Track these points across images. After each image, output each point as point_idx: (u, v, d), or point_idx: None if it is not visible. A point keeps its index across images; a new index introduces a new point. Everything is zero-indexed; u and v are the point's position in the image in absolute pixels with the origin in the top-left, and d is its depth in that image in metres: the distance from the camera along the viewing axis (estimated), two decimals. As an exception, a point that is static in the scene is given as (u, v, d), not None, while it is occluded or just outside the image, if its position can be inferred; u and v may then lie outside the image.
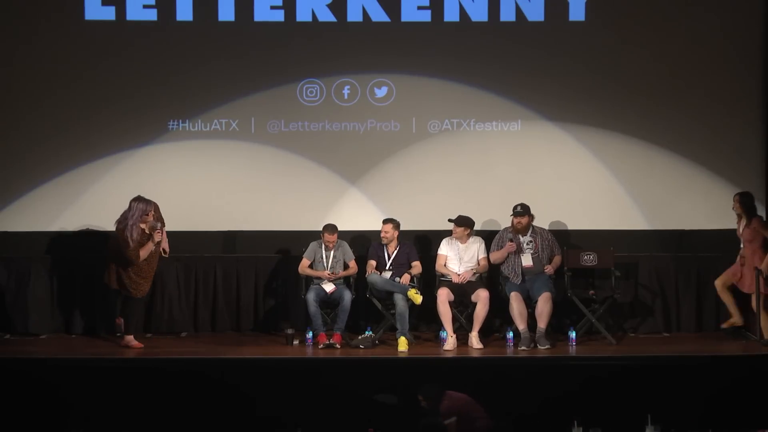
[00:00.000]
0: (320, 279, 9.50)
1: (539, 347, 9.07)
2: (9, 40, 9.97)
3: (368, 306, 9.60)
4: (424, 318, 9.84)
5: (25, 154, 10.00)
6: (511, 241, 9.47)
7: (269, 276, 10.13)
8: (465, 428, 7.18)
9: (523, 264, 9.48)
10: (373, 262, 9.57)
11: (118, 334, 9.53)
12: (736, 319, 9.51)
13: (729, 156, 10.11)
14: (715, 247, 10.02)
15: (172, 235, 9.45)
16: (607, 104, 10.12)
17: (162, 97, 10.06)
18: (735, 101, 10.11)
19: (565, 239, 9.95)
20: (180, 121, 10.10)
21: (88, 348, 9.35)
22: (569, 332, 9.37)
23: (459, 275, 9.47)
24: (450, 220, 9.55)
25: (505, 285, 9.52)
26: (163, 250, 9.35)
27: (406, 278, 9.46)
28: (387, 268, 9.56)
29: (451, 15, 10.07)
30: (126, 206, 9.29)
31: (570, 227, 10.14)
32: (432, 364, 8.89)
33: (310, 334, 9.34)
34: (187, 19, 10.04)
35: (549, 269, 9.50)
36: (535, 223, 9.63)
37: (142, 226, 9.18)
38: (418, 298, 9.26)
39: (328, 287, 9.43)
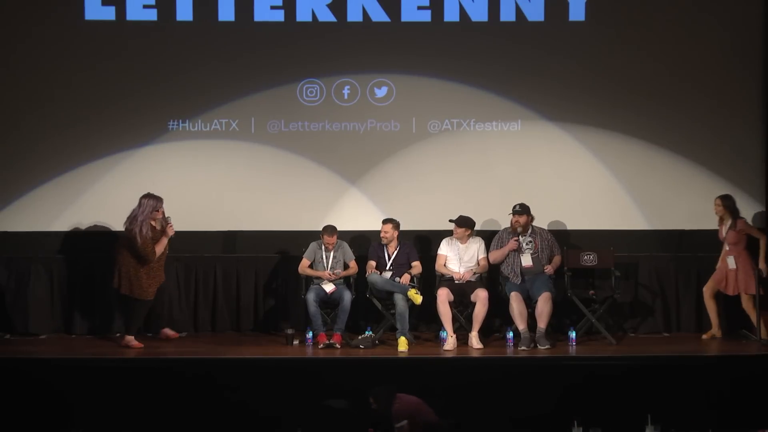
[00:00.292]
0: (320, 279, 9.50)
1: (539, 347, 9.07)
2: (9, 39, 9.97)
3: (368, 306, 9.60)
4: (424, 318, 9.84)
5: (25, 154, 10.00)
6: (516, 239, 9.47)
7: (269, 276, 10.13)
8: (417, 430, 7.17)
9: (523, 264, 9.49)
10: (373, 263, 9.58)
11: (118, 334, 9.55)
12: (715, 330, 9.55)
13: (729, 156, 10.12)
14: (715, 247, 10.00)
15: (172, 235, 9.47)
16: (607, 104, 10.12)
17: (162, 97, 10.06)
18: (735, 101, 10.11)
19: (565, 239, 9.95)
20: (180, 121, 10.11)
21: (88, 348, 9.35)
22: (569, 332, 9.37)
23: (459, 273, 9.47)
24: (451, 221, 9.55)
25: (505, 285, 9.52)
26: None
27: (406, 278, 9.46)
28: (387, 268, 9.56)
29: (451, 15, 10.07)
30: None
31: (570, 227, 10.14)
32: (432, 364, 8.89)
33: (310, 334, 9.34)
34: (187, 19, 10.04)
35: (549, 269, 9.50)
36: (534, 223, 9.64)
37: (153, 223, 9.19)
38: (418, 298, 9.26)
39: (328, 287, 9.43)
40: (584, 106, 10.11)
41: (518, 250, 9.51)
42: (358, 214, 10.12)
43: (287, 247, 10.06)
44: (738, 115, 10.12)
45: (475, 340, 9.18)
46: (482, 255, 9.59)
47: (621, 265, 9.81)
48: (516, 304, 9.24)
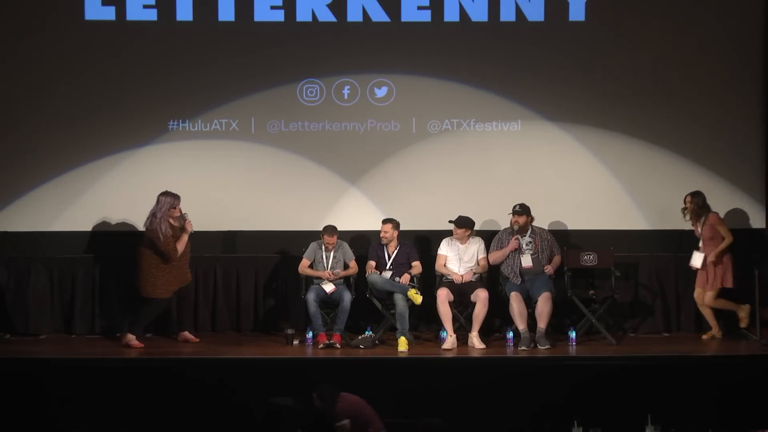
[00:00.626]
0: (320, 279, 9.50)
1: (539, 347, 9.07)
2: (9, 39, 9.96)
3: (368, 306, 9.59)
4: (424, 318, 9.84)
5: (25, 154, 10.00)
6: (517, 238, 9.46)
7: (269, 276, 10.13)
8: (359, 430, 7.19)
9: (523, 264, 9.48)
10: (372, 263, 9.58)
11: (118, 335, 9.54)
12: (715, 331, 9.52)
13: (729, 156, 10.11)
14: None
15: (172, 235, 9.47)
16: (607, 104, 10.11)
17: (162, 97, 10.05)
18: (735, 101, 10.11)
19: (565, 239, 9.95)
20: (180, 121, 10.10)
21: (88, 348, 9.35)
22: (569, 332, 9.37)
23: (459, 275, 9.47)
24: (450, 222, 9.55)
25: (505, 285, 9.52)
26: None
27: (406, 278, 9.46)
28: (387, 268, 9.56)
29: (451, 15, 10.07)
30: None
31: (570, 227, 10.14)
32: (432, 364, 8.89)
33: (310, 334, 9.34)
34: (187, 19, 10.04)
35: (549, 269, 9.50)
36: (534, 223, 9.64)
37: (171, 221, 9.20)
38: (418, 298, 9.26)
39: (328, 287, 9.43)
40: (584, 106, 10.11)
41: (518, 251, 9.51)
42: (358, 214, 10.12)
43: (287, 247, 10.06)
44: (738, 115, 10.11)
45: (476, 340, 9.17)
46: (482, 255, 9.59)
47: (621, 265, 9.81)
48: (516, 304, 9.24)
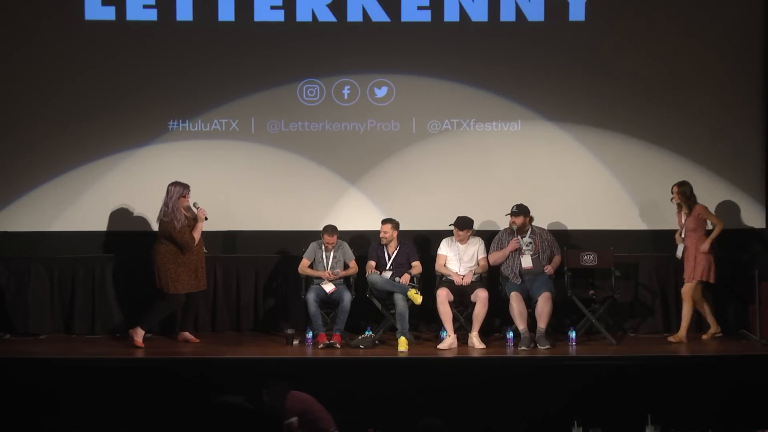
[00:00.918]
0: (320, 279, 9.50)
1: (539, 347, 9.07)
2: (9, 40, 9.97)
3: (368, 306, 9.59)
4: (424, 318, 9.84)
5: (25, 154, 10.00)
6: (517, 238, 9.46)
7: (269, 276, 10.13)
8: (308, 428, 7.20)
9: (523, 265, 9.48)
10: (372, 263, 9.58)
11: (118, 334, 9.55)
12: (714, 329, 9.52)
13: (729, 156, 10.11)
14: (714, 247, 10.01)
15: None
16: (607, 104, 10.11)
17: (162, 97, 10.06)
18: (735, 101, 10.11)
19: (565, 239, 9.95)
20: (180, 121, 10.10)
21: (88, 348, 9.35)
22: (569, 332, 9.37)
23: (460, 276, 9.47)
24: (451, 225, 9.53)
25: (505, 285, 9.52)
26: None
27: (406, 278, 9.46)
28: (387, 268, 9.56)
29: (451, 15, 10.07)
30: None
31: (570, 227, 10.14)
32: (432, 364, 8.89)
33: (310, 334, 9.34)
34: (187, 19, 10.04)
35: (549, 269, 9.50)
36: (534, 223, 9.64)
37: (183, 210, 9.22)
38: (418, 298, 9.26)
39: (328, 287, 9.43)
40: (584, 106, 10.11)
41: (518, 251, 9.51)
42: (358, 214, 10.12)
43: (287, 247, 10.06)
44: (738, 115, 10.11)
45: (476, 340, 9.17)
46: (482, 255, 9.59)
47: (621, 265, 9.81)
48: (516, 304, 9.24)
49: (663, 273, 10.04)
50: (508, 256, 9.54)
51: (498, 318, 9.71)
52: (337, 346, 9.21)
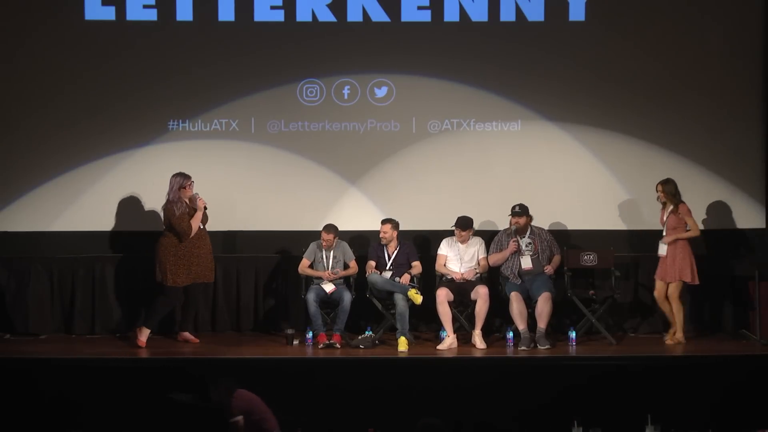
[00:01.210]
0: (320, 279, 9.50)
1: (539, 347, 9.07)
2: (9, 40, 9.96)
3: (368, 306, 9.59)
4: (424, 318, 9.83)
5: (25, 154, 10.00)
6: (516, 240, 9.46)
7: (269, 276, 10.13)
8: (253, 428, 7.23)
9: (523, 266, 9.48)
10: (372, 263, 9.58)
11: (118, 334, 9.55)
12: (680, 335, 9.32)
13: (729, 156, 10.11)
14: (714, 247, 10.02)
15: (172, 235, 9.47)
16: (607, 104, 10.11)
17: (162, 97, 10.05)
18: (735, 101, 10.11)
19: (565, 239, 9.95)
20: (180, 121, 10.10)
21: (88, 348, 9.35)
22: (569, 332, 9.37)
23: (460, 273, 9.47)
24: (453, 226, 9.53)
25: (505, 285, 9.52)
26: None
27: (406, 278, 9.46)
28: (387, 268, 9.56)
29: (451, 15, 10.07)
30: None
31: (570, 227, 10.14)
32: (432, 364, 8.89)
33: (310, 334, 9.34)
34: (187, 19, 10.04)
35: (549, 269, 9.50)
36: (534, 223, 9.64)
37: (186, 200, 9.24)
38: (418, 298, 9.26)
39: (328, 287, 9.43)
40: (584, 106, 10.11)
41: (518, 252, 9.51)
42: (358, 214, 10.12)
43: (287, 247, 10.06)
44: (738, 115, 10.11)
45: (478, 339, 9.16)
46: (482, 255, 9.59)
47: (621, 265, 9.81)
48: (516, 304, 9.24)
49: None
50: (508, 257, 9.54)
51: (498, 318, 9.71)
52: (337, 346, 9.21)
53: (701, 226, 9.95)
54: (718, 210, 10.02)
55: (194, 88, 10.05)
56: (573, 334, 9.35)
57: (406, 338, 9.18)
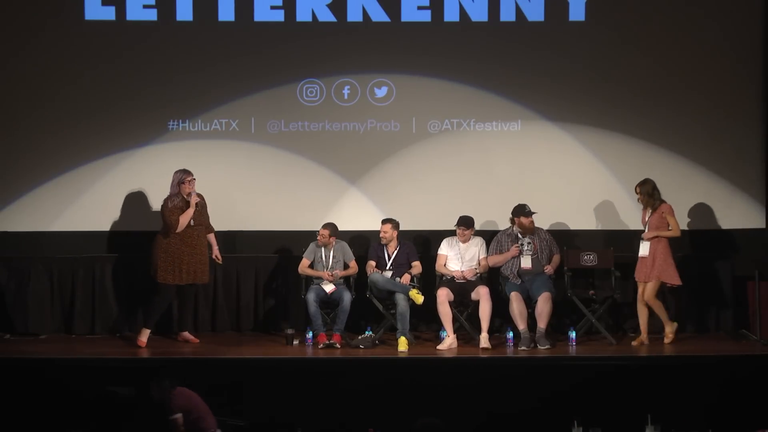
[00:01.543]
0: (320, 279, 9.50)
1: (539, 347, 9.07)
2: (9, 40, 9.96)
3: (368, 306, 9.59)
4: (424, 318, 9.83)
5: (25, 154, 10.00)
6: (517, 245, 9.46)
7: (269, 276, 10.13)
8: (191, 427, 7.24)
9: (522, 266, 9.49)
10: (373, 263, 9.58)
11: (118, 334, 9.56)
12: (644, 337, 9.26)
13: (729, 156, 10.11)
14: (714, 247, 10.03)
15: (172, 235, 9.47)
16: (607, 104, 10.11)
17: (162, 97, 10.05)
18: (735, 101, 10.11)
19: (565, 239, 9.95)
20: (180, 121, 10.10)
21: (88, 348, 9.35)
22: (569, 332, 9.37)
23: (460, 271, 9.46)
24: (456, 225, 9.53)
25: (505, 285, 9.52)
26: (216, 257, 9.48)
27: (406, 278, 9.46)
28: (387, 268, 9.56)
29: (451, 15, 10.07)
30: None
31: (570, 227, 10.14)
32: (432, 364, 8.89)
33: (310, 334, 9.34)
34: (187, 19, 10.04)
35: (549, 269, 9.50)
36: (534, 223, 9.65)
37: (184, 196, 9.26)
38: (419, 298, 9.26)
39: (328, 287, 9.43)
40: (584, 106, 10.11)
41: (518, 253, 9.52)
42: (358, 214, 10.12)
43: (287, 247, 10.06)
44: (738, 115, 10.11)
45: (485, 341, 9.11)
46: (483, 255, 9.59)
47: (621, 265, 9.80)
48: (516, 304, 9.24)
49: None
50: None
51: (498, 318, 9.70)
52: (337, 346, 9.21)
53: (701, 226, 9.97)
54: (718, 210, 10.02)
55: (194, 88, 10.05)
56: (573, 334, 9.35)
57: (406, 338, 9.17)
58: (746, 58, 10.07)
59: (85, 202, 10.02)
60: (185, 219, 9.25)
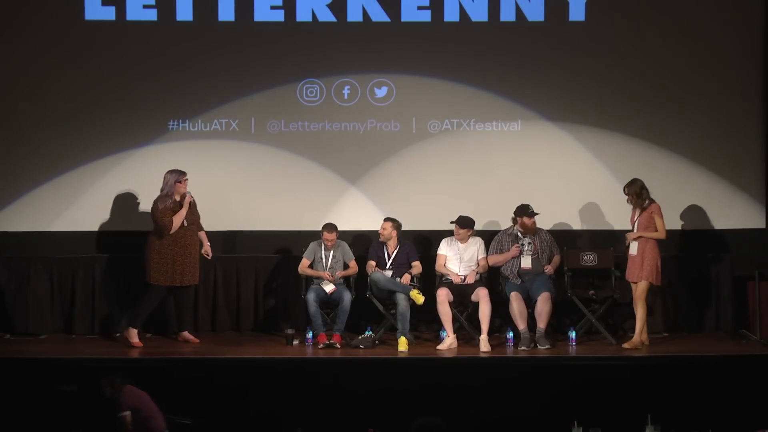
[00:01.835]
0: (320, 279, 9.50)
1: (539, 347, 9.07)
2: (9, 40, 9.96)
3: (368, 306, 9.59)
4: (424, 318, 9.83)
5: (25, 154, 9.99)
6: (518, 245, 9.46)
7: (269, 276, 10.13)
8: (139, 425, 7.24)
9: (522, 266, 9.48)
10: (373, 263, 9.57)
11: (117, 335, 9.56)
12: (637, 339, 9.09)
13: (729, 156, 10.11)
14: (715, 247, 10.03)
15: (172, 235, 9.47)
16: (607, 104, 10.11)
17: (162, 97, 10.05)
18: (735, 101, 10.11)
19: (565, 239, 9.94)
20: (180, 121, 10.10)
21: (88, 348, 9.35)
22: (569, 332, 9.37)
23: (459, 276, 9.46)
24: (452, 222, 9.54)
25: (505, 285, 9.52)
26: (206, 252, 9.46)
27: (406, 278, 9.46)
28: (387, 267, 9.56)
29: (451, 15, 10.07)
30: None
31: (570, 227, 10.14)
32: (432, 364, 8.89)
33: (310, 334, 9.34)
34: (187, 19, 10.04)
35: (549, 269, 9.50)
36: (534, 223, 9.66)
37: (176, 197, 9.25)
38: (420, 299, 9.26)
39: (328, 287, 9.43)
40: (584, 106, 10.11)
41: (519, 253, 9.52)
42: (358, 214, 10.12)
43: (287, 247, 10.06)
44: (738, 115, 10.11)
45: (484, 343, 9.11)
46: (482, 255, 9.59)
47: (621, 265, 9.79)
48: (516, 304, 9.24)
49: (662, 273, 10.00)
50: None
51: (498, 318, 9.70)
52: (337, 346, 9.20)
53: (701, 226, 9.97)
54: (718, 210, 10.02)
55: (194, 88, 10.05)
56: (573, 334, 9.35)
57: (406, 338, 9.17)
58: (746, 58, 10.07)
59: (85, 202, 10.02)
60: (179, 220, 9.25)
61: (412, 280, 9.50)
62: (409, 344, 9.20)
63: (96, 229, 10.01)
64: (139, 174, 10.01)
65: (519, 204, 9.57)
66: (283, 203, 10.12)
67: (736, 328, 9.76)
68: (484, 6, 10.07)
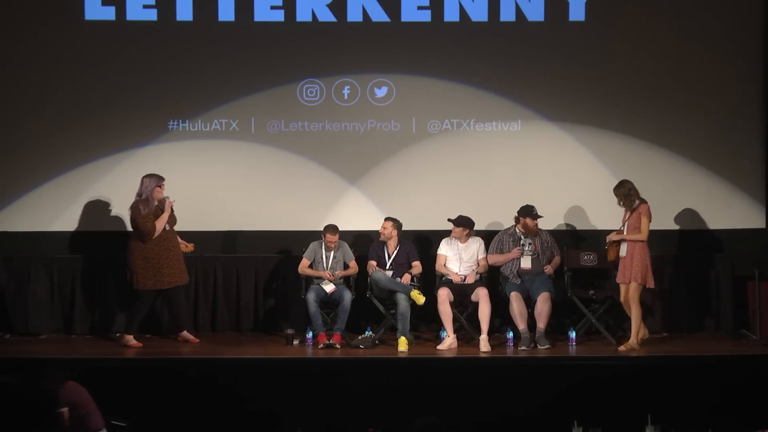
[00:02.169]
0: (320, 279, 9.50)
1: (539, 347, 9.07)
2: (9, 40, 9.97)
3: (368, 306, 9.59)
4: (424, 318, 9.84)
5: (25, 154, 10.00)
6: (520, 246, 9.46)
7: (269, 276, 10.13)
8: (76, 422, 7.21)
9: (522, 266, 9.49)
10: (373, 262, 9.57)
11: (117, 334, 9.56)
12: (633, 341, 9.05)
13: (729, 156, 10.11)
14: (714, 247, 10.02)
15: (172, 235, 9.46)
16: (607, 104, 10.11)
17: (162, 97, 10.06)
18: (735, 101, 10.11)
19: (565, 239, 9.95)
20: (180, 121, 10.11)
21: (88, 348, 9.36)
22: (569, 332, 9.37)
23: (459, 275, 9.46)
24: (449, 220, 9.55)
25: (505, 285, 9.52)
26: (185, 245, 9.46)
27: (406, 278, 9.47)
28: (387, 267, 9.56)
29: (451, 15, 10.07)
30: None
31: (570, 227, 10.14)
32: (432, 364, 8.89)
33: (310, 334, 9.34)
34: (187, 19, 10.04)
35: (548, 269, 9.50)
36: (533, 223, 9.66)
37: (155, 202, 9.23)
38: (421, 299, 9.26)
39: (328, 287, 9.43)
40: (584, 106, 10.11)
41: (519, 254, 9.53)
42: (358, 214, 10.12)
43: (287, 247, 10.06)
44: (738, 115, 10.11)
45: (484, 343, 9.11)
46: (482, 255, 9.59)
47: (621, 265, 9.80)
48: (516, 304, 9.24)
49: (663, 273, 10.01)
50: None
51: (498, 318, 9.71)
52: (337, 346, 9.21)
53: (701, 226, 9.97)
54: (718, 210, 10.02)
55: (194, 88, 10.05)
56: (573, 334, 9.35)
57: (406, 338, 9.17)
58: (746, 57, 10.07)
59: (85, 202, 10.02)
60: (161, 224, 9.24)
61: (412, 280, 9.50)
62: (409, 344, 9.20)
63: (96, 229, 10.01)
64: (139, 174, 9.94)
65: (521, 204, 9.57)
66: (283, 203, 10.12)
67: (736, 328, 9.76)
68: (484, 6, 10.07)
